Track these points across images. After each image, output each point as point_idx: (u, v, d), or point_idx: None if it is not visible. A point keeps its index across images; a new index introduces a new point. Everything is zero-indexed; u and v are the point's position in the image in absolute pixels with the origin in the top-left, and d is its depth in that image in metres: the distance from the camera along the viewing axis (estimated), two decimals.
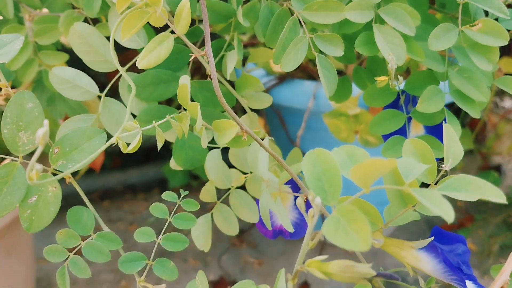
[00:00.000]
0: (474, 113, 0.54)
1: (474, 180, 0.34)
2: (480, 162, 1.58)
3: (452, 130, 0.42)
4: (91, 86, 0.50)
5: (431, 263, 0.42)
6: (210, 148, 0.52)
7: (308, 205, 0.57)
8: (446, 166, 0.41)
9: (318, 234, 0.33)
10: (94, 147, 0.45)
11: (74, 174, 0.51)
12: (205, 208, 0.56)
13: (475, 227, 1.45)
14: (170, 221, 0.50)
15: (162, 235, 0.50)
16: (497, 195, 0.33)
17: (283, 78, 1.25)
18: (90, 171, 1.71)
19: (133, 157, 1.62)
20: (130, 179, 1.55)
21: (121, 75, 0.49)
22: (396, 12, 0.49)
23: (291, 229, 0.47)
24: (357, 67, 0.62)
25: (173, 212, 0.51)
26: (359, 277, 0.32)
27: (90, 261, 1.61)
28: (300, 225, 0.57)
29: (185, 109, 0.47)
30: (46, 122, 0.31)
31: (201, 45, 0.55)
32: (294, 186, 0.59)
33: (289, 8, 0.50)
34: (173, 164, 0.53)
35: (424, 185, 0.41)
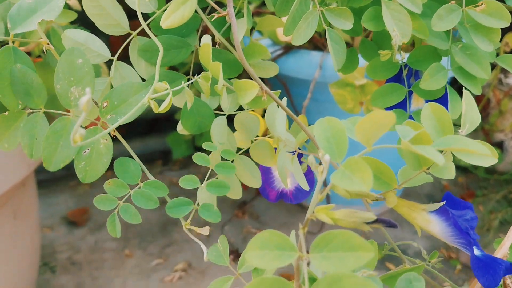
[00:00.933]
0: (475, 90, 0.55)
1: (462, 139, 0.36)
2: (482, 138, 1.58)
3: (471, 98, 0.43)
4: (103, 49, 0.50)
5: (440, 225, 0.44)
6: (216, 115, 0.53)
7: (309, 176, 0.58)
8: (463, 131, 0.42)
9: (326, 189, 0.35)
10: (140, 101, 0.45)
11: None
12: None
13: (476, 202, 1.47)
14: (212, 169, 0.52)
15: (206, 181, 0.51)
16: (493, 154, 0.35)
17: (289, 48, 1.25)
18: None
19: (136, 128, 1.63)
20: (137, 150, 1.56)
21: (130, 40, 0.49)
22: None
23: (306, 187, 0.50)
24: (364, 39, 0.62)
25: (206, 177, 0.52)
26: (361, 221, 0.35)
27: (94, 230, 1.63)
28: (300, 190, 0.58)
29: (193, 75, 0.47)
30: (88, 90, 0.32)
31: (210, 12, 0.54)
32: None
33: None
34: (180, 128, 0.53)
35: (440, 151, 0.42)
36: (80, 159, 0.48)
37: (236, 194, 0.53)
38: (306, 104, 1.20)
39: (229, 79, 0.52)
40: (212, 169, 0.51)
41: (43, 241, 1.36)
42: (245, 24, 0.48)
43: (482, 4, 0.50)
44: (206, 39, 0.43)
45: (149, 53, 0.50)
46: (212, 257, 0.48)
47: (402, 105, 0.58)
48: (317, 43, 1.26)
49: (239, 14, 0.52)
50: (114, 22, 0.49)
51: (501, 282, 0.53)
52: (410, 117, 0.58)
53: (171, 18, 0.43)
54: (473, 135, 1.61)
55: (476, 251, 0.44)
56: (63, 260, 1.30)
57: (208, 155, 0.51)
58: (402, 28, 0.48)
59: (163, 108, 0.41)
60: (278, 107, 0.45)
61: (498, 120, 1.53)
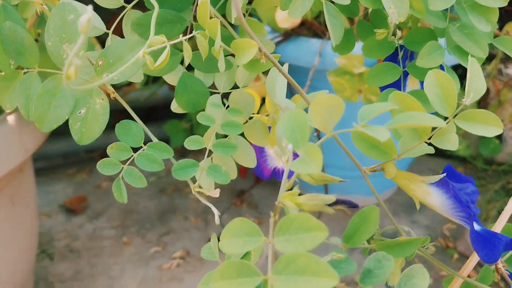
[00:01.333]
0: None
1: (480, 113, 0.35)
2: None
3: (477, 64, 0.42)
4: (98, 22, 0.50)
5: (440, 198, 0.44)
6: (211, 93, 0.52)
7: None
8: (467, 100, 0.41)
9: (292, 177, 0.37)
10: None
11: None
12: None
13: None
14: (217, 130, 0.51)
15: (213, 142, 0.51)
16: (497, 124, 0.35)
17: (288, 35, 1.24)
18: None
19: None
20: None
21: (125, 14, 0.49)
22: None
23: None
24: (361, 20, 0.62)
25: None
26: (322, 204, 0.37)
27: (92, 218, 1.62)
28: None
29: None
30: (90, 7, 0.30)
31: None
32: None
33: None
34: (174, 106, 0.53)
35: (444, 118, 0.42)
36: (75, 119, 0.47)
37: (231, 173, 0.53)
38: (305, 91, 1.19)
39: (225, 56, 0.52)
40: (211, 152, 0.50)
41: (41, 229, 1.37)
42: (240, 0, 0.48)
43: None
44: (204, 3, 0.42)
45: (143, 27, 0.49)
46: (205, 254, 0.48)
47: (397, 85, 0.58)
48: (316, 30, 1.26)
49: None
50: None
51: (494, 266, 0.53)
52: None
53: None
54: None
55: (476, 226, 0.43)
56: (61, 247, 1.31)
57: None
58: (399, 6, 0.48)
59: (160, 62, 0.40)
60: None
61: (497, 110, 1.53)
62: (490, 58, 1.57)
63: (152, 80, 1.57)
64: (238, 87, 0.53)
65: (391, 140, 0.43)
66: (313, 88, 1.22)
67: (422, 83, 0.59)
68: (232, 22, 0.50)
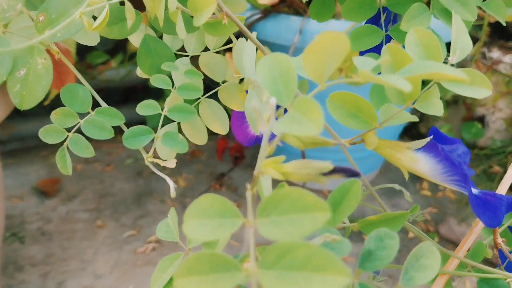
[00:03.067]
0: None
1: (467, 72, 0.31)
2: (464, 112, 1.56)
3: (461, 22, 0.39)
4: None
5: (430, 163, 0.40)
6: (178, 56, 0.48)
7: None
8: (453, 59, 0.38)
9: (275, 139, 0.30)
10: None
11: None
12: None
13: None
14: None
15: (168, 107, 0.46)
16: (486, 85, 0.30)
17: (268, 12, 1.20)
18: None
19: (111, 98, 1.58)
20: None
21: None
22: None
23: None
24: None
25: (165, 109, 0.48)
26: (316, 173, 0.29)
27: (66, 201, 1.56)
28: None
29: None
30: None
31: None
32: None
33: None
34: (140, 72, 0.49)
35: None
36: (14, 81, 0.42)
37: (200, 139, 0.49)
38: None
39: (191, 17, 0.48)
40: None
41: (12, 211, 1.32)
42: None
43: None
44: None
45: None
46: (161, 233, 0.42)
47: (378, 50, 0.54)
48: (297, 7, 1.22)
49: None
50: None
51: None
52: None
53: None
54: (455, 109, 1.59)
55: (475, 190, 0.40)
56: (33, 230, 1.26)
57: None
58: None
59: (98, 24, 0.36)
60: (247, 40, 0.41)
61: None
62: (473, 41, 1.55)
63: (128, 58, 1.52)
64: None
65: (372, 107, 0.40)
66: None
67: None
68: None
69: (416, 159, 0.40)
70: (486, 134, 1.52)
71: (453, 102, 1.57)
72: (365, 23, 0.55)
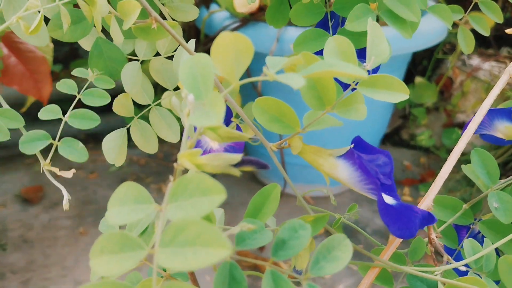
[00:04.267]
0: (406, 34, 0.52)
1: (387, 78, 0.33)
2: (444, 119, 1.58)
3: (378, 28, 0.39)
4: None
5: (348, 170, 0.41)
6: (130, 60, 0.50)
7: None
8: (368, 65, 0.39)
9: (195, 134, 0.32)
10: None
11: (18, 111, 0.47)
12: None
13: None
14: (79, 98, 0.48)
15: (69, 113, 0.47)
16: (403, 90, 0.32)
17: (247, 20, 1.22)
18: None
19: (97, 106, 1.59)
20: (92, 128, 1.53)
21: None
22: None
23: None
24: None
25: (83, 89, 0.49)
26: (227, 164, 0.32)
27: (48, 208, 1.58)
28: (234, 147, 0.55)
29: None
30: None
31: None
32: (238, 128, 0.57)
33: None
34: (90, 75, 0.50)
35: (346, 85, 0.40)
36: None
37: (150, 148, 0.50)
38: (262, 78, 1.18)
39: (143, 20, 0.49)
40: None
41: None
42: None
43: None
44: None
45: None
46: (104, 227, 0.43)
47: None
48: None
49: None
50: None
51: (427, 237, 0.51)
52: None
53: None
54: (436, 116, 1.60)
55: (389, 199, 0.41)
56: (14, 237, 1.27)
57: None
58: None
59: (33, 28, 0.37)
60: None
61: (460, 101, 1.53)
62: (452, 49, 1.57)
63: None
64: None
65: (293, 112, 0.41)
66: None
67: (356, 50, 0.57)
68: None
69: (336, 166, 0.41)
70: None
71: (434, 109, 1.59)
72: (315, 26, 0.56)
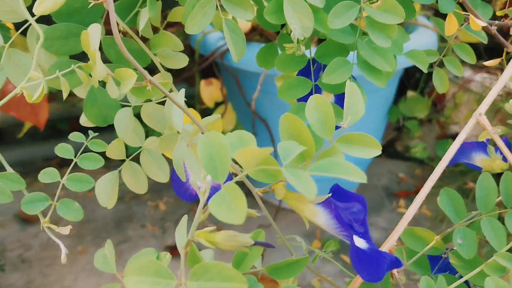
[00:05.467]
0: (380, 83, 0.54)
1: (339, 162, 0.34)
2: (438, 131, 1.60)
3: (356, 88, 0.42)
4: None
5: (326, 217, 0.43)
6: (123, 106, 0.51)
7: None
8: (345, 124, 0.41)
9: (205, 211, 0.35)
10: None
11: (16, 133, 0.50)
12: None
13: (431, 193, 1.48)
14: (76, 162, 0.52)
15: (67, 176, 0.51)
16: (358, 175, 0.33)
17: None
18: (47, 138, 1.68)
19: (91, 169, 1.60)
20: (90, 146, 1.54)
21: (28, 26, 0.48)
22: None
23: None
24: (282, 33, 0.61)
25: (80, 152, 0.53)
26: (240, 245, 0.35)
27: (44, 229, 1.58)
28: (217, 189, 0.57)
29: None
30: None
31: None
32: None
33: None
34: (84, 120, 0.52)
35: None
36: None
37: (141, 188, 0.52)
38: (256, 96, 1.19)
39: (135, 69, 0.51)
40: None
41: None
42: (147, 13, 0.47)
43: (378, 1, 0.50)
44: (92, 27, 0.41)
45: (48, 41, 0.48)
46: (99, 263, 0.45)
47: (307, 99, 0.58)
48: (268, 36, 1.26)
49: (144, 4, 0.50)
50: (9, 8, 0.47)
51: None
52: None
53: (44, 4, 0.42)
54: (428, 127, 1.62)
55: (362, 243, 0.43)
56: (13, 258, 1.28)
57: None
58: (303, 22, 0.48)
59: (36, 98, 0.39)
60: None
61: (453, 112, 1.55)
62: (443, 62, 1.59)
63: None
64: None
65: (276, 163, 0.43)
66: (265, 92, 1.22)
67: (336, 96, 0.59)
68: (140, 35, 0.49)
69: (315, 213, 0.44)
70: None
71: (427, 121, 1.61)
72: (298, 73, 0.58)
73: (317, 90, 0.58)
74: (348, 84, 0.42)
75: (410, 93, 1.51)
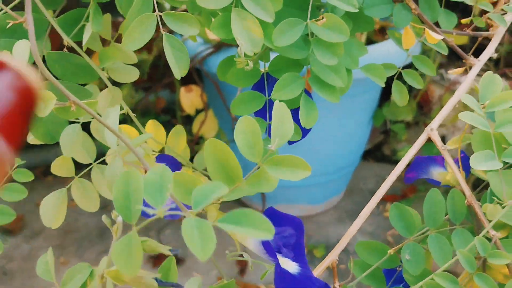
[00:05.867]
0: (332, 98, 0.53)
1: (249, 214, 0.33)
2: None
3: (284, 109, 0.41)
4: None
5: (255, 243, 0.43)
6: (71, 122, 0.50)
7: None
8: (273, 146, 0.40)
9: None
10: None
11: None
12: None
13: (418, 197, 1.47)
14: None
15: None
16: (267, 229, 0.32)
17: (220, 46, 1.22)
18: (30, 146, 1.68)
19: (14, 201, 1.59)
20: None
21: None
22: None
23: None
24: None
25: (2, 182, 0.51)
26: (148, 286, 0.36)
27: (29, 238, 1.59)
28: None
29: None
30: None
31: (60, 13, 0.52)
32: None
33: None
34: (31, 138, 0.51)
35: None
36: None
37: (92, 206, 0.51)
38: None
39: (83, 84, 0.49)
40: None
41: None
42: (90, 28, 0.46)
43: (323, 18, 0.49)
44: (18, 43, 0.40)
45: None
46: (40, 270, 0.44)
47: (262, 113, 0.56)
48: None
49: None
50: None
51: None
52: (269, 126, 0.56)
53: None
54: (415, 129, 1.61)
55: (292, 268, 0.43)
56: None
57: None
58: (253, 37, 0.46)
59: None
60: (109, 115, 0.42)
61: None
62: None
63: None
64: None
65: (239, 168, 0.42)
66: None
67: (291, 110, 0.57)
68: (84, 49, 0.48)
69: (246, 237, 0.43)
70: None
71: (414, 123, 1.59)
72: (252, 87, 0.57)
73: (271, 104, 0.56)
74: (277, 104, 0.41)
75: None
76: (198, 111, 1.30)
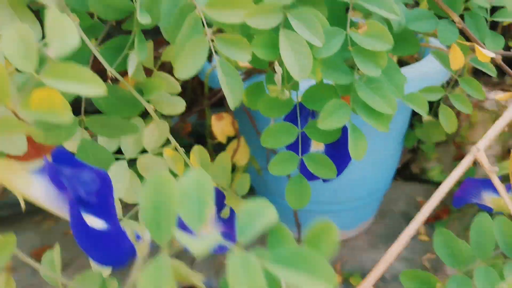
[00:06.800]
0: (382, 127, 0.49)
1: (308, 257, 0.26)
2: (454, 151, 1.55)
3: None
4: None
5: (43, 188, 0.34)
6: (117, 159, 0.49)
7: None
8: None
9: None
10: None
11: None
12: None
13: (452, 218, 1.43)
14: None
15: None
16: (328, 278, 0.25)
17: (250, 73, 1.21)
18: None
19: None
20: None
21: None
22: (306, 17, 0.44)
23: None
24: (270, 73, 0.55)
25: None
26: None
27: (60, 270, 1.57)
28: (228, 233, 0.54)
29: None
30: None
31: (102, 41, 0.51)
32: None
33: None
34: None
35: None
36: None
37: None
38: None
39: (128, 118, 0.48)
40: None
41: None
42: (134, 56, 0.44)
43: (364, 26, 0.47)
44: None
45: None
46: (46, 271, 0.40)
47: (294, 147, 0.53)
48: None
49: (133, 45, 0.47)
50: None
51: None
52: (302, 161, 0.53)
53: None
54: (445, 149, 1.58)
55: (99, 224, 0.35)
56: None
57: None
58: (301, 61, 0.43)
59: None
60: None
61: (469, 132, 1.51)
62: (456, 82, 1.56)
63: None
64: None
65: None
66: None
67: (326, 145, 0.54)
68: (130, 80, 0.47)
69: (30, 183, 0.34)
70: (479, 172, 1.51)
71: (443, 141, 1.57)
72: (284, 118, 0.54)
73: (304, 138, 0.53)
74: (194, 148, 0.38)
75: (427, 117, 1.47)
76: (229, 139, 1.30)
